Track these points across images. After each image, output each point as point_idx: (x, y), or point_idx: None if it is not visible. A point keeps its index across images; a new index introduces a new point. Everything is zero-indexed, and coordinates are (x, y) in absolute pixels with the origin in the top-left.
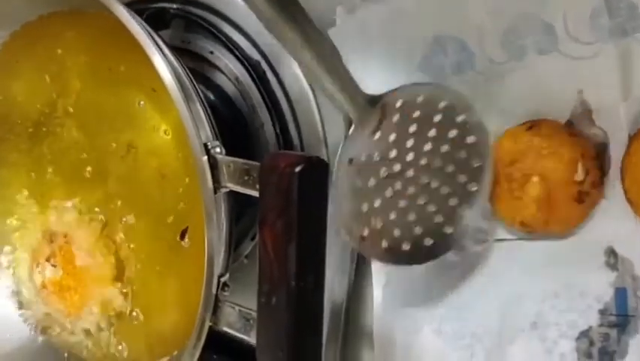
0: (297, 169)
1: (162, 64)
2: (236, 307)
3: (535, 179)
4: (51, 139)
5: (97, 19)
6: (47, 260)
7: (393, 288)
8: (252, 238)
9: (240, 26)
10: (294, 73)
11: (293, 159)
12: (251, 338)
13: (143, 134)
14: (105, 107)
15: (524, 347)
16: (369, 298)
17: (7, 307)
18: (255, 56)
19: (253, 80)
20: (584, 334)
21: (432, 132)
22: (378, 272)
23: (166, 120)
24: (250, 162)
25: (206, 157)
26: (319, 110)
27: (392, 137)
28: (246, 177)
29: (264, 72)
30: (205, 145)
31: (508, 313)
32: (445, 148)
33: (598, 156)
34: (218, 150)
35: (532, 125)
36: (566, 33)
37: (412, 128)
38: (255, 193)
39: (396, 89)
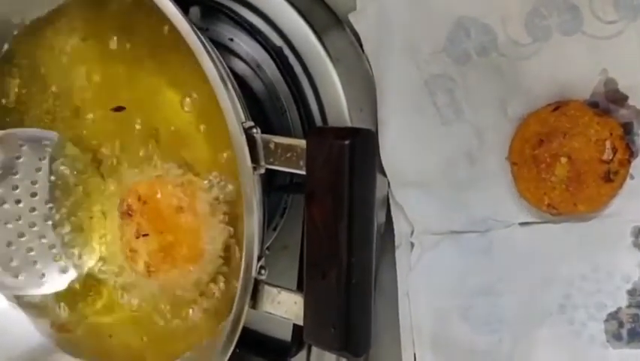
0: (347, 141)
1: (197, 42)
2: (278, 288)
3: (563, 160)
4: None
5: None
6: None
7: (418, 275)
8: (274, 229)
9: (262, 12)
10: (319, 58)
11: (342, 132)
12: (295, 319)
13: (166, 120)
14: (126, 91)
15: (552, 331)
16: (389, 285)
17: (13, 309)
18: (278, 41)
19: (277, 66)
20: (613, 315)
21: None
22: (402, 259)
23: (192, 105)
24: (293, 138)
25: (244, 136)
26: (345, 95)
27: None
28: (289, 154)
29: (287, 58)
30: (242, 124)
31: (535, 297)
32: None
33: (625, 135)
34: (254, 129)
35: (558, 106)
36: (590, 13)
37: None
38: (299, 171)
39: None
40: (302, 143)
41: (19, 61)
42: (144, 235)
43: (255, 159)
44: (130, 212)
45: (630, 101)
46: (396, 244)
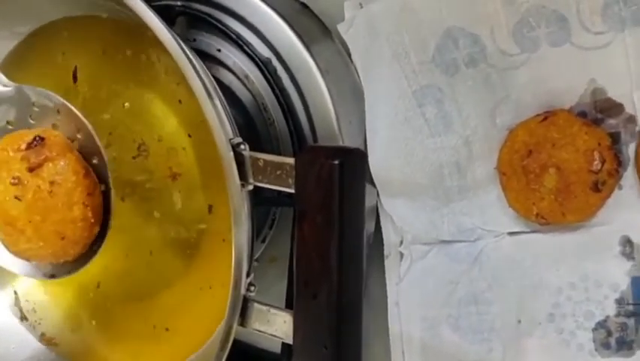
0: (338, 161)
1: (183, 58)
2: (268, 307)
3: (552, 170)
4: None
5: (110, 22)
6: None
7: (408, 284)
8: (263, 241)
9: (250, 22)
10: (308, 69)
11: (333, 151)
12: (284, 337)
13: (154, 132)
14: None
15: (541, 340)
16: (378, 295)
17: (10, 319)
18: (266, 52)
19: (265, 77)
20: (601, 324)
21: None
22: (392, 269)
23: (179, 117)
24: (283, 157)
25: (232, 153)
26: (334, 106)
27: None
28: (279, 172)
29: (276, 69)
30: (230, 141)
31: (524, 307)
32: None
33: (613, 145)
34: (242, 146)
35: (547, 117)
36: (579, 24)
37: None
38: (288, 189)
39: None
40: (291, 161)
41: None
42: None
43: (243, 176)
44: None
45: (627, 110)
46: (385, 253)
